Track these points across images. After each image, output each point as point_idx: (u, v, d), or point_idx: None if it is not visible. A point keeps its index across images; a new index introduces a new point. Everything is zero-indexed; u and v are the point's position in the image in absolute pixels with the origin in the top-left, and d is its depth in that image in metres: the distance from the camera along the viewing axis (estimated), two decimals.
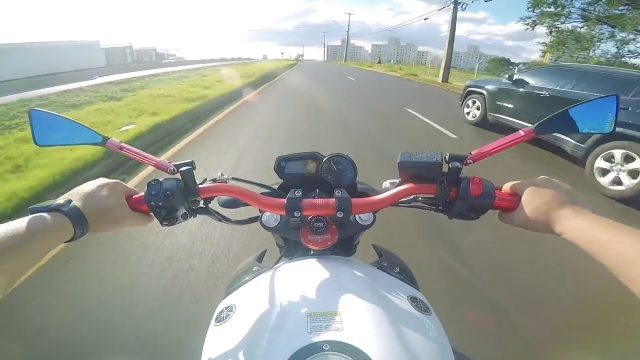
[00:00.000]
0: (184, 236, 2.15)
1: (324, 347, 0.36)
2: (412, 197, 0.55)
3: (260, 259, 0.71)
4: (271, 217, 0.59)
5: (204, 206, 0.57)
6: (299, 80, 16.86)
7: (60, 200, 0.43)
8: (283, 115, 6.61)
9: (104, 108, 5.77)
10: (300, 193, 0.53)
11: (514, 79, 4.99)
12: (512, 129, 3.14)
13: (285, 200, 0.51)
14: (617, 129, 2.58)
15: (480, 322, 1.58)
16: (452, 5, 15.96)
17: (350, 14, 77.79)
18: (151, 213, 0.51)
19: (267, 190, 0.65)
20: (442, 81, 17.18)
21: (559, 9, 13.81)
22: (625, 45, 13.99)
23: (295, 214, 0.51)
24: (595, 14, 13.34)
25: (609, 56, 15.13)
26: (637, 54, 14.21)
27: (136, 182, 3.02)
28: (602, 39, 14.09)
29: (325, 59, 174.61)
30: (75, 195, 0.45)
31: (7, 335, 1.44)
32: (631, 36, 13.31)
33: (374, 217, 0.59)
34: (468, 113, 6.18)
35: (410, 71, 29.01)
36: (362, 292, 0.46)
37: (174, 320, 1.50)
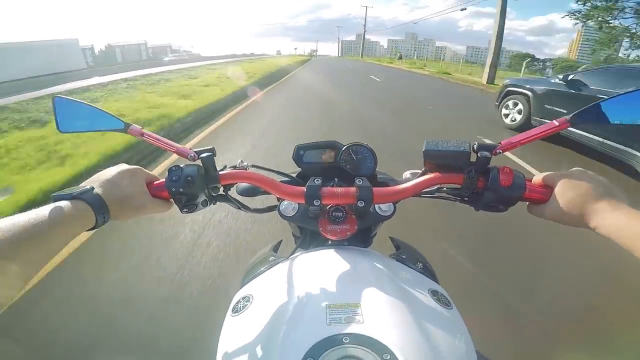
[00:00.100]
0: None
1: (343, 340, 0.35)
2: (435, 187, 0.54)
3: (276, 249, 0.71)
4: (289, 206, 0.57)
5: (223, 193, 0.57)
6: (312, 80, 13.79)
7: (82, 187, 0.42)
8: (285, 153, 3.52)
9: None
10: (320, 181, 0.51)
11: (568, 80, 4.45)
12: (563, 138, 3.96)
13: (304, 189, 0.50)
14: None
15: None
16: None
17: (367, 7, 73.59)
18: (171, 200, 0.51)
19: (286, 179, 0.64)
20: (488, 83, 13.95)
21: (611, 3, 12.89)
22: None
23: (315, 203, 0.49)
24: None
25: None
26: None
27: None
28: None
29: (341, 54, 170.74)
30: (97, 182, 0.44)
31: None
32: None
33: (395, 207, 0.57)
34: (506, 116, 5.44)
35: (439, 68, 23.92)
36: (382, 284, 0.45)
37: None
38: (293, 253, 0.61)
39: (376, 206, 0.56)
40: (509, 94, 5.40)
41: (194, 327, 1.40)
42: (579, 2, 13.31)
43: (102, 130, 0.53)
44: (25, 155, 3.24)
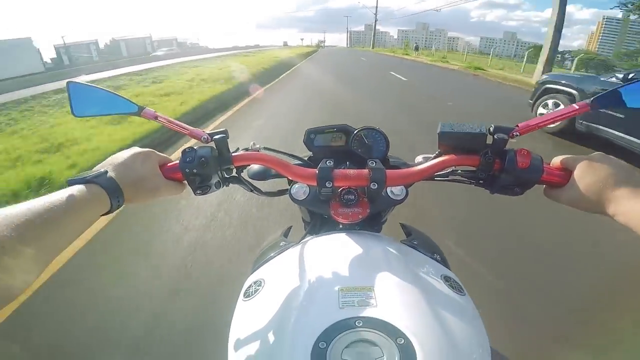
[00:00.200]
0: None
1: (356, 324, 0.35)
2: (450, 170, 0.53)
3: (286, 234, 0.72)
4: (300, 190, 0.57)
5: (236, 175, 0.57)
6: (317, 81, 10.33)
7: (96, 171, 0.42)
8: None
9: None
10: (332, 163, 0.51)
11: (630, 79, 3.64)
12: (619, 148, 3.47)
13: (316, 170, 0.50)
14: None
15: None
16: None
17: None
18: (184, 182, 0.51)
19: (298, 162, 0.64)
20: None
21: None
22: None
23: (327, 185, 0.49)
24: None
25: None
26: None
27: None
28: None
29: (350, 45, 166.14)
30: (110, 165, 0.44)
31: None
32: None
33: (407, 191, 0.57)
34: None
35: (464, 61, 20.22)
36: (395, 269, 0.45)
37: None
38: (303, 238, 0.60)
39: (388, 190, 0.55)
40: (547, 92, 4.75)
41: None
42: None
43: (116, 114, 0.53)
44: None
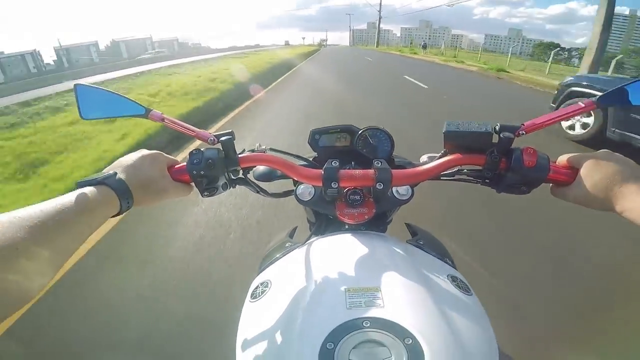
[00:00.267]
0: None
1: (364, 324, 0.35)
2: (455, 169, 0.53)
3: (291, 235, 0.72)
4: (306, 190, 0.57)
5: (243, 177, 0.58)
6: (318, 84, 9.00)
7: (105, 173, 0.43)
8: None
9: None
10: (338, 164, 0.51)
11: None
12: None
13: (322, 171, 0.50)
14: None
15: None
16: None
17: None
18: (192, 183, 0.52)
19: (303, 163, 0.64)
20: None
21: None
22: None
23: (333, 185, 0.49)
24: None
25: None
26: None
27: None
28: None
29: (353, 43, 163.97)
30: (119, 167, 0.45)
31: None
32: None
33: (412, 191, 0.56)
34: (571, 127, 4.17)
35: (478, 59, 18.09)
36: (401, 269, 0.45)
37: None
38: (309, 239, 0.60)
39: (393, 190, 0.55)
40: (572, 95, 4.27)
41: None
42: None
43: (124, 116, 0.54)
44: None
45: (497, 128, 0.48)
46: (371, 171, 0.50)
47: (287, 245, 0.61)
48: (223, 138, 0.51)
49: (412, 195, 0.56)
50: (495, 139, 0.48)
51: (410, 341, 0.33)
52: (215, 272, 1.69)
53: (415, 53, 28.75)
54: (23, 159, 3.39)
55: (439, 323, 0.37)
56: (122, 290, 1.61)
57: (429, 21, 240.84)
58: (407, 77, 10.62)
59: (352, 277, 0.43)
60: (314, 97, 7.23)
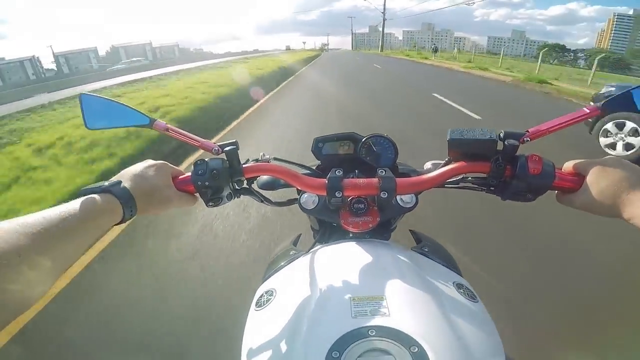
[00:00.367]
0: None
1: (369, 333, 0.35)
2: (460, 177, 0.54)
3: (295, 242, 0.72)
4: (309, 199, 0.57)
5: (247, 186, 0.58)
6: (317, 103, 7.17)
7: (110, 181, 0.44)
8: None
9: None
10: (342, 173, 0.51)
11: None
12: None
13: (326, 180, 0.50)
14: None
15: None
16: None
17: None
18: (196, 194, 0.52)
19: (307, 171, 0.65)
20: None
21: None
22: None
23: (337, 194, 0.49)
24: None
25: None
26: None
27: None
28: None
29: (355, 47, 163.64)
30: (124, 176, 0.45)
31: None
32: None
33: (417, 199, 0.56)
34: (612, 145, 3.70)
35: (499, 66, 15.45)
36: (407, 277, 0.45)
37: None
38: (313, 247, 0.60)
39: (398, 198, 0.55)
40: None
41: None
42: None
43: (128, 126, 0.54)
44: None
45: (502, 135, 0.48)
46: (375, 180, 0.50)
47: (291, 253, 0.61)
48: (227, 148, 0.52)
49: (417, 203, 0.56)
50: (499, 146, 0.49)
51: (417, 349, 0.33)
52: None
53: (426, 58, 26.24)
54: None
55: (445, 331, 0.37)
56: None
57: (431, 24, 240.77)
58: (437, 96, 7.50)
59: (357, 285, 0.44)
60: (323, 113, 5.81)
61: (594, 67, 10.38)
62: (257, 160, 0.58)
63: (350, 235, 0.58)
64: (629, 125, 3.56)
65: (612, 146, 3.75)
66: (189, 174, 0.51)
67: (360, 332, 0.35)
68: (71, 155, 3.78)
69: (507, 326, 1.15)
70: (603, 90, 4.19)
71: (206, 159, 0.51)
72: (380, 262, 0.49)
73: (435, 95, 7.66)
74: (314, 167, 0.67)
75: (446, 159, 0.55)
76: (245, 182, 0.57)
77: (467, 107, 6.30)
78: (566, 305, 1.55)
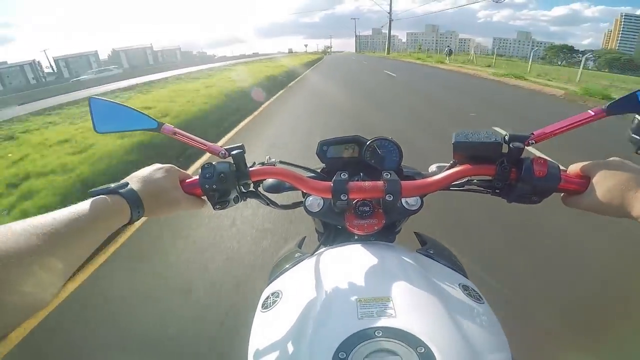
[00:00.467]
0: None
1: (376, 334, 0.36)
2: (465, 180, 0.54)
3: (300, 245, 0.74)
4: (314, 202, 0.58)
5: (253, 189, 0.59)
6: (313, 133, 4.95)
7: (118, 183, 0.45)
8: None
9: None
10: (347, 176, 0.52)
11: None
12: None
13: (331, 183, 0.51)
14: None
15: None
16: None
17: None
18: (203, 197, 0.53)
19: (312, 174, 0.66)
20: None
21: None
22: None
23: (342, 197, 0.50)
24: None
25: None
26: None
27: None
28: None
29: (358, 50, 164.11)
30: (132, 179, 0.47)
31: None
32: None
33: (422, 201, 0.57)
34: None
35: (527, 71, 13.29)
36: (412, 279, 0.45)
37: None
38: (317, 249, 0.62)
39: (403, 200, 0.56)
40: None
41: None
42: None
43: (137, 130, 0.54)
44: None
45: (507, 138, 0.49)
46: (380, 183, 0.51)
47: (296, 255, 0.62)
48: (234, 152, 0.53)
49: (422, 205, 0.57)
50: (505, 148, 0.49)
51: (423, 350, 0.34)
52: None
53: (441, 62, 22.59)
54: None
55: (451, 331, 0.37)
56: None
57: (435, 25, 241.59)
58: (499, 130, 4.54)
59: (363, 287, 0.44)
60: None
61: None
62: (263, 164, 0.59)
63: (355, 237, 0.58)
64: None
65: None
66: (197, 177, 0.52)
67: (367, 333, 0.36)
68: None
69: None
70: None
71: (213, 163, 0.52)
72: (386, 264, 0.50)
73: (497, 129, 4.63)
74: (319, 170, 0.68)
75: (451, 162, 0.55)
76: (251, 185, 0.57)
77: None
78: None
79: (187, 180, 0.52)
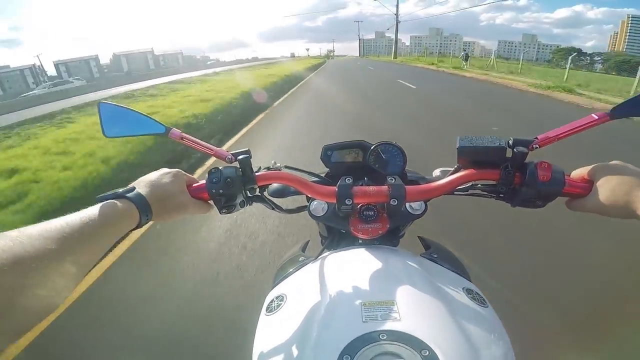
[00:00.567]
0: None
1: (380, 337, 0.36)
2: (469, 184, 0.55)
3: (304, 249, 0.74)
4: (319, 206, 0.59)
5: (259, 194, 0.60)
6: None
7: (126, 188, 0.46)
8: None
9: None
10: (351, 180, 0.53)
11: None
12: None
13: (336, 188, 0.52)
14: None
15: None
16: None
17: None
18: (210, 201, 0.54)
19: (316, 179, 0.67)
20: None
21: None
22: None
23: (347, 202, 0.51)
24: None
25: None
26: None
27: None
28: None
29: (362, 54, 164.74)
30: (140, 183, 0.48)
31: None
32: None
33: (426, 206, 0.57)
34: None
35: (564, 79, 11.09)
36: (416, 282, 0.46)
37: None
38: (321, 253, 0.62)
39: (407, 205, 0.56)
40: None
41: None
42: None
43: (145, 134, 0.55)
44: None
45: (511, 142, 0.49)
46: (385, 187, 0.52)
47: (300, 259, 0.63)
48: (240, 157, 0.54)
49: (426, 210, 0.57)
50: (509, 153, 0.50)
51: (427, 353, 0.34)
52: None
53: (458, 68, 19.58)
54: None
55: (455, 335, 0.38)
56: None
57: (439, 28, 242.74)
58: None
59: (367, 290, 0.44)
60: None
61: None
62: (268, 169, 0.60)
63: (359, 241, 0.59)
64: None
65: None
66: (204, 181, 0.53)
67: (371, 336, 0.36)
68: None
69: None
70: None
71: (220, 167, 0.53)
72: (390, 267, 0.50)
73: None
74: (323, 175, 0.69)
75: (455, 166, 0.56)
76: (257, 189, 0.58)
77: None
78: None
79: (194, 185, 0.53)
